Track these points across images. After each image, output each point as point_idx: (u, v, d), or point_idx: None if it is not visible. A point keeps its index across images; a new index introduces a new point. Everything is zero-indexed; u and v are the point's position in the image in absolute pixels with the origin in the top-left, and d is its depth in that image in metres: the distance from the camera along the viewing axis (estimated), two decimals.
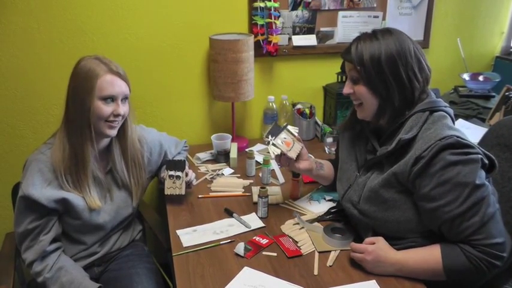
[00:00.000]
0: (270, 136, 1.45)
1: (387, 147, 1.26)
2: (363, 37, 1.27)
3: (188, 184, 1.64)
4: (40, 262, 1.38)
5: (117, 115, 1.39)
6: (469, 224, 1.14)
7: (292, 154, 1.45)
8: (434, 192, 1.16)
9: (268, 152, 1.45)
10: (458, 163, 1.13)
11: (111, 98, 1.38)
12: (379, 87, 1.24)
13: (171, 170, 1.61)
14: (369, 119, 1.33)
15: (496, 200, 1.22)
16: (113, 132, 1.43)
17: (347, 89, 1.32)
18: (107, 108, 1.37)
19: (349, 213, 1.40)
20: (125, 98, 1.43)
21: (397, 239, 1.28)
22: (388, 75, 1.22)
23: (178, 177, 1.60)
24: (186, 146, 1.91)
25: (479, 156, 1.15)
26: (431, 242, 1.23)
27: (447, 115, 1.25)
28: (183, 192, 1.61)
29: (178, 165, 1.61)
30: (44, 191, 1.34)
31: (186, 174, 1.62)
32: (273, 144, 1.43)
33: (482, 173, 1.16)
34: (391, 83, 1.23)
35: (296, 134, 1.50)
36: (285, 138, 1.47)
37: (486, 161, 1.18)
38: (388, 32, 1.26)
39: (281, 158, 1.47)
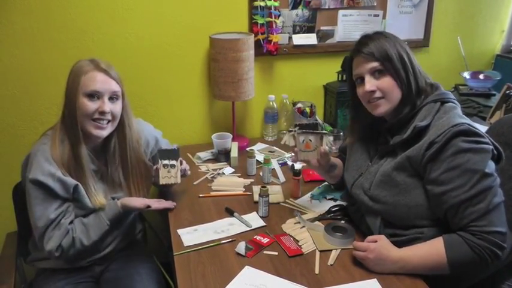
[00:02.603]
0: (298, 128, 1.44)
1: (401, 136, 1.29)
2: (371, 35, 1.32)
3: (183, 173, 1.62)
4: (67, 237, 1.37)
5: (102, 112, 1.38)
6: (474, 209, 1.15)
7: (301, 156, 1.45)
8: (443, 177, 1.18)
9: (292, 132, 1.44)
10: (469, 150, 1.16)
11: (96, 95, 1.37)
12: (403, 77, 1.28)
13: (164, 159, 1.58)
14: (386, 113, 1.33)
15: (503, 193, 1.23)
16: (101, 133, 1.41)
17: (371, 86, 1.29)
18: (91, 105, 1.37)
19: (358, 201, 1.40)
20: (115, 97, 1.42)
21: (404, 228, 1.28)
22: (408, 65, 1.29)
23: (173, 165, 1.59)
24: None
25: (491, 147, 1.19)
26: (437, 232, 1.24)
27: (457, 106, 1.29)
28: (178, 180, 1.59)
29: (172, 153, 1.59)
30: (56, 176, 1.34)
31: (181, 163, 1.61)
32: (293, 136, 1.43)
33: (492, 164, 1.19)
34: (411, 73, 1.29)
35: (325, 146, 1.45)
36: (310, 140, 1.45)
37: (495, 152, 1.21)
38: (387, 32, 1.35)
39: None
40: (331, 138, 2.01)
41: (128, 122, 1.49)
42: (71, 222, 1.40)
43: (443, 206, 1.20)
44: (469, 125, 1.19)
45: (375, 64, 1.29)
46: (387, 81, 1.29)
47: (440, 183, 1.19)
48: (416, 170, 1.25)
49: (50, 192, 1.33)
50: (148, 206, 1.50)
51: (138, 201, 1.50)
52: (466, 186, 1.15)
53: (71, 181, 1.36)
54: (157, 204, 1.54)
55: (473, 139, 1.17)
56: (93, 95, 1.37)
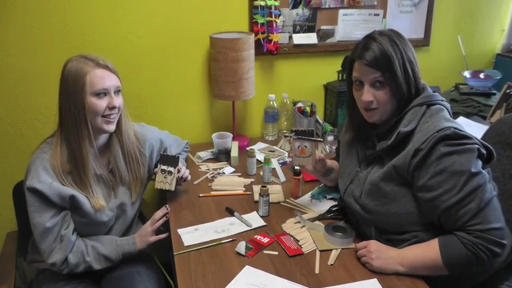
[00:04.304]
0: (294, 134, 1.46)
1: (386, 142, 1.28)
2: (376, 37, 1.25)
3: (179, 181, 1.64)
4: (74, 254, 1.39)
5: (113, 107, 1.40)
6: (466, 210, 1.15)
7: (296, 162, 1.46)
8: (432, 182, 1.18)
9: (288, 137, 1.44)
10: (454, 153, 1.16)
11: (104, 92, 1.38)
12: (404, 90, 1.25)
13: (164, 165, 1.61)
14: (379, 121, 1.32)
15: (494, 188, 1.22)
16: (112, 127, 1.43)
17: (369, 97, 1.26)
18: (101, 103, 1.37)
19: (351, 208, 1.41)
20: (118, 91, 1.43)
21: (399, 234, 1.29)
22: (411, 76, 1.25)
23: (170, 172, 1.61)
24: (187, 147, 1.93)
25: (476, 146, 1.17)
26: (432, 236, 1.24)
27: (444, 108, 1.27)
28: (172, 188, 1.61)
29: (172, 160, 1.61)
30: (52, 186, 1.34)
31: (178, 171, 1.62)
32: (288, 141, 1.43)
33: (479, 162, 1.18)
34: (412, 83, 1.26)
35: (320, 153, 1.49)
36: (305, 146, 1.47)
37: (483, 151, 1.20)
38: (397, 34, 1.28)
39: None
40: (331, 138, 2.02)
41: (124, 112, 1.50)
42: (74, 231, 1.41)
43: (435, 211, 1.19)
44: (454, 128, 1.17)
45: (376, 75, 1.24)
46: (386, 93, 1.25)
47: (430, 189, 1.18)
48: (404, 179, 1.24)
49: (46, 201, 1.34)
50: (160, 230, 1.55)
51: (150, 236, 1.53)
52: (455, 189, 1.15)
53: (67, 191, 1.36)
54: (157, 224, 1.55)
55: (457, 142, 1.16)
56: (102, 93, 1.38)
